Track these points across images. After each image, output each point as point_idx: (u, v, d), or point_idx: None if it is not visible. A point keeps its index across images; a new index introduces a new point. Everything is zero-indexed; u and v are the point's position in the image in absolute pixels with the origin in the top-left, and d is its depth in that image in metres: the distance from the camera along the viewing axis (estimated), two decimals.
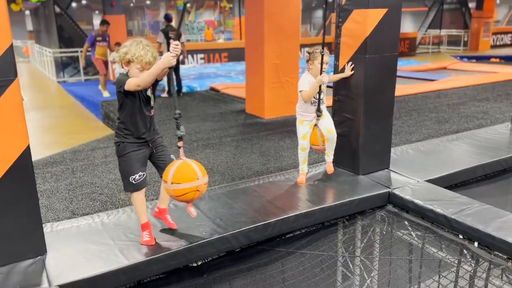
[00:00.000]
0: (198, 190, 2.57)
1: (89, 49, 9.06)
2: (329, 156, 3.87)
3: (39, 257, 2.57)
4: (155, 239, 2.77)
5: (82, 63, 10.75)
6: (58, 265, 2.51)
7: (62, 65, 12.70)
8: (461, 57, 16.86)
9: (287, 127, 6.17)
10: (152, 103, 2.69)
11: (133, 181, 2.65)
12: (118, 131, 2.67)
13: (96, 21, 28.03)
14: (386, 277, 2.91)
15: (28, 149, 2.49)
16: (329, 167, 3.89)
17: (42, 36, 16.40)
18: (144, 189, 2.73)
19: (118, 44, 9.05)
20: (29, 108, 8.32)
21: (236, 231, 2.92)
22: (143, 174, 2.68)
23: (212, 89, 9.61)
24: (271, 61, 6.56)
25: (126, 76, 2.55)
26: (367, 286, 2.77)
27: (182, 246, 2.71)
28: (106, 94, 9.17)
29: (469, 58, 16.66)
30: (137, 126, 2.63)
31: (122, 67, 2.59)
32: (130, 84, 2.48)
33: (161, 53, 8.40)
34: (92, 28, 26.71)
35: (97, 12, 29.43)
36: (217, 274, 2.85)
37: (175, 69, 9.40)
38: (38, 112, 8.05)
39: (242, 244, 3.00)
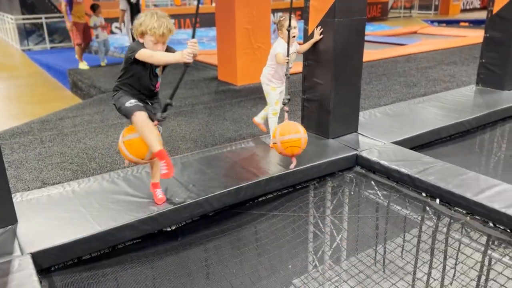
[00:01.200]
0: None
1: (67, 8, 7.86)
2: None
3: (9, 226, 2.57)
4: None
5: (69, 25, 8.17)
6: (29, 233, 2.51)
7: (26, 33, 12.18)
8: (432, 21, 17.04)
9: (260, 93, 6.16)
10: (158, 79, 2.71)
11: (130, 104, 2.57)
12: (116, 86, 2.66)
13: None
14: (354, 234, 3.04)
15: None
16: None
17: (2, 1, 15.57)
18: (145, 112, 2.61)
19: (96, 6, 8.23)
20: None
21: (209, 195, 2.97)
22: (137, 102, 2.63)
23: None
24: (243, 26, 6.47)
25: (141, 45, 2.52)
26: (337, 244, 2.90)
27: (154, 212, 2.75)
28: (83, 66, 8.25)
29: (439, 22, 16.86)
30: (140, 89, 2.64)
31: (137, 40, 2.57)
32: (142, 54, 2.46)
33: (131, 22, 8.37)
34: None
35: None
36: (192, 237, 2.92)
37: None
38: (2, 81, 7.76)
39: (215, 208, 3.06)
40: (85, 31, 8.34)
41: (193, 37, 2.49)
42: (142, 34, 2.52)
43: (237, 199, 3.14)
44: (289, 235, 2.95)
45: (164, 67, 2.71)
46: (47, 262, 2.40)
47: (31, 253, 2.32)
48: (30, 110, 5.62)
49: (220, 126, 4.80)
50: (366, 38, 3.96)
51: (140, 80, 2.63)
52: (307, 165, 3.48)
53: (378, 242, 2.93)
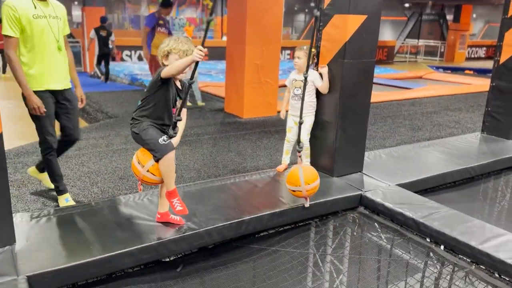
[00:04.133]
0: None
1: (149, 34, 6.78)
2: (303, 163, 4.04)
3: (7, 246, 2.52)
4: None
5: (145, 53, 7.00)
6: (26, 255, 2.47)
7: None
8: (437, 68, 17.32)
9: (265, 127, 6.21)
10: (177, 104, 2.81)
11: (163, 142, 2.65)
12: (139, 116, 2.72)
13: (76, 12, 27.52)
14: (355, 276, 2.97)
15: (0, 137, 2.44)
16: None
17: None
18: (174, 151, 2.71)
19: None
20: (3, 97, 8.11)
21: (210, 227, 2.93)
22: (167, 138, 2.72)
23: None
24: (252, 61, 6.60)
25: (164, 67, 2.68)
26: (337, 285, 2.83)
27: (154, 241, 2.71)
28: None
29: (445, 69, 17.13)
30: (161, 116, 2.72)
31: (163, 64, 2.71)
32: (165, 71, 2.59)
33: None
34: (71, 19, 26.21)
35: (76, 3, 28.87)
36: (190, 268, 2.86)
37: (106, 59, 9.85)
38: (11, 101, 7.85)
39: (216, 241, 3.01)
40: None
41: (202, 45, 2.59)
42: (167, 55, 2.68)
43: (238, 232, 3.10)
44: (288, 272, 2.89)
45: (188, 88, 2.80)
46: (43, 286, 2.34)
47: (27, 276, 2.27)
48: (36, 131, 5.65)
49: (224, 157, 4.80)
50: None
51: (164, 108, 2.71)
52: (310, 202, 3.45)
53: (380, 286, 2.86)
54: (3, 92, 8.79)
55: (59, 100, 3.23)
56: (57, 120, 3.27)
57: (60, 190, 3.37)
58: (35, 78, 3.07)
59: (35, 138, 5.34)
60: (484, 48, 24.41)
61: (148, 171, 2.71)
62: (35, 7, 2.98)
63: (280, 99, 6.66)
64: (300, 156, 3.31)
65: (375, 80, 4.16)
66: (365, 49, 3.78)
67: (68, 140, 3.38)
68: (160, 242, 2.71)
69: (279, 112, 5.44)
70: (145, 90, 2.76)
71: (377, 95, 8.63)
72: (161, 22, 6.78)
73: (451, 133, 6.23)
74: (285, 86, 4.10)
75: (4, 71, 11.52)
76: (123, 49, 14.21)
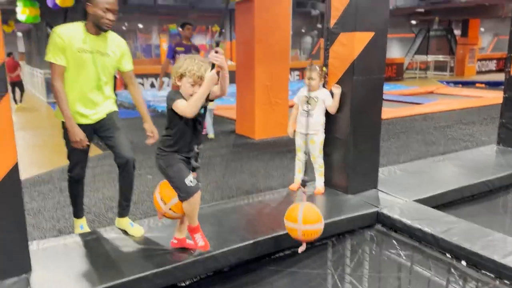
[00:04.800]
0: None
1: (171, 63, 6.56)
2: (317, 181, 4.03)
3: (23, 275, 2.53)
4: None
5: (160, 84, 7.16)
6: (43, 283, 2.47)
7: None
8: (448, 82, 17.24)
9: (277, 147, 6.21)
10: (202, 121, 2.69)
11: (190, 184, 2.59)
12: (163, 146, 2.63)
13: None
14: None
15: (16, 166, 2.48)
16: (317, 190, 3.98)
17: (33, 57, 16.45)
18: (200, 192, 2.67)
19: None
20: (19, 128, 8.27)
21: (225, 249, 2.90)
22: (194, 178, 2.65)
23: None
24: (262, 82, 6.66)
25: (178, 94, 2.55)
26: None
27: (170, 264, 2.69)
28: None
29: (455, 83, 17.03)
30: (186, 143, 2.62)
31: (175, 84, 2.60)
32: (178, 107, 2.49)
33: None
34: None
35: None
36: None
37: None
38: (27, 132, 8.01)
39: (231, 263, 2.98)
40: None
41: (217, 46, 2.47)
42: (181, 77, 2.54)
43: (254, 254, 3.06)
44: None
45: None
46: None
47: None
48: (51, 159, 5.72)
49: (237, 178, 4.79)
50: (383, 96, 4.02)
51: (186, 137, 2.61)
52: (326, 221, 3.39)
53: None
54: (19, 122, 8.98)
55: (96, 129, 3.01)
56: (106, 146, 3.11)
57: (76, 214, 3.28)
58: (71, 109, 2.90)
59: (50, 166, 5.44)
60: (495, 61, 24.27)
61: (170, 209, 2.66)
62: (84, 41, 2.80)
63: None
64: (305, 192, 2.90)
65: (385, 97, 4.15)
66: (373, 66, 3.78)
67: (121, 163, 3.01)
68: (176, 266, 2.69)
69: None
70: (166, 119, 2.63)
71: (389, 111, 8.59)
72: (180, 49, 6.54)
73: (465, 146, 6.14)
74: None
75: (20, 101, 11.77)
76: (136, 77, 14.49)
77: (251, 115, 6.81)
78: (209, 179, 4.75)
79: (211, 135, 6.94)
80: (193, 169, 2.65)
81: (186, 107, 2.47)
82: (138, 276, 2.56)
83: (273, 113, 6.83)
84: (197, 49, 6.72)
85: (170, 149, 2.61)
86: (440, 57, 21.99)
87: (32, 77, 15.46)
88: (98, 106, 2.98)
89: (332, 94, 3.85)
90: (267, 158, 5.67)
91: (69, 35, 2.77)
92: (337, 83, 3.84)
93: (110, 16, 2.80)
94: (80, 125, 2.90)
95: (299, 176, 4.11)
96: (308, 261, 3.21)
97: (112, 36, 2.97)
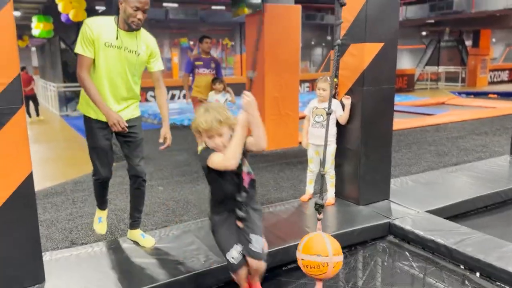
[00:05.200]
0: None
1: (190, 77, 6.51)
2: (328, 192, 4.04)
3: (37, 285, 2.55)
4: None
5: (187, 96, 6.70)
6: None
7: (66, 100, 12.90)
8: (459, 93, 17.12)
9: (286, 158, 6.21)
10: (245, 168, 2.32)
11: (232, 259, 2.31)
12: (210, 207, 2.44)
13: None
14: None
15: (31, 176, 2.52)
16: (328, 201, 3.97)
17: (47, 71, 16.73)
18: (244, 267, 2.37)
19: (217, 79, 6.31)
20: (32, 141, 8.40)
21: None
22: (240, 250, 2.33)
23: None
24: (272, 94, 6.69)
25: (208, 149, 2.23)
26: None
27: (182, 275, 2.69)
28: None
29: (467, 94, 16.91)
30: (229, 196, 2.31)
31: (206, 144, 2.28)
32: (214, 162, 2.17)
33: None
34: None
35: None
36: None
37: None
38: (41, 145, 8.12)
39: None
40: None
41: (248, 90, 2.26)
42: (199, 134, 2.24)
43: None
44: None
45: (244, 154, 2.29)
46: None
47: None
48: (64, 171, 5.80)
49: None
50: (394, 107, 4.02)
51: (225, 188, 2.30)
52: (337, 232, 3.38)
53: None
54: (34, 135, 9.11)
55: (117, 132, 2.93)
56: (122, 151, 3.11)
57: (99, 205, 3.27)
58: (90, 104, 2.86)
59: (63, 178, 5.50)
60: (507, 72, 24.06)
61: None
62: (114, 35, 2.76)
63: (300, 130, 6.68)
64: (320, 220, 2.54)
65: (397, 108, 4.14)
66: (383, 76, 3.79)
67: (132, 176, 3.08)
68: (188, 276, 2.70)
69: (300, 143, 5.43)
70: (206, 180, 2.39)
71: (400, 122, 8.56)
72: (198, 63, 6.35)
73: (478, 157, 6.07)
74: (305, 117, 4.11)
75: (37, 114, 11.95)
76: (147, 90, 14.65)
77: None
78: None
79: None
80: (239, 218, 2.35)
81: (223, 160, 2.15)
82: (150, 286, 2.56)
83: (283, 124, 6.84)
84: (217, 62, 6.59)
85: (215, 208, 2.41)
86: (451, 68, 21.88)
87: (45, 91, 15.73)
88: (125, 104, 2.93)
89: (343, 105, 3.86)
90: (277, 169, 5.67)
91: (98, 27, 2.73)
92: (347, 93, 3.85)
93: (140, 15, 2.75)
94: (104, 123, 2.86)
95: (310, 187, 4.11)
96: None
97: (143, 34, 2.91)
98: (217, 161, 2.17)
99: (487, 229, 3.62)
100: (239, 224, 2.35)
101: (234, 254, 2.31)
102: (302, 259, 2.39)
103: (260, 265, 2.38)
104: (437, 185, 4.46)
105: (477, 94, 16.69)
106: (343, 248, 3.41)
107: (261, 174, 5.42)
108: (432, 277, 3.13)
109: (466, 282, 2.96)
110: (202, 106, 2.29)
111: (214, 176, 2.26)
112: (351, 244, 3.48)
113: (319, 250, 2.31)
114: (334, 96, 3.94)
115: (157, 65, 3.03)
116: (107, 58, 2.78)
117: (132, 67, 2.89)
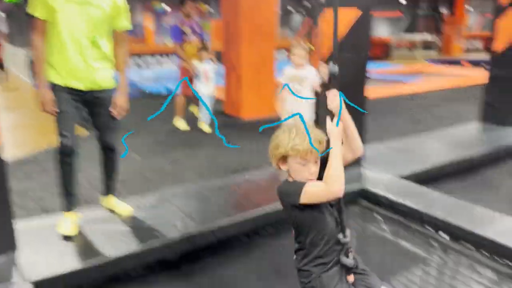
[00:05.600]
0: None
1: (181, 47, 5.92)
2: None
3: (9, 252, 2.52)
4: None
5: (189, 67, 5.89)
6: (28, 261, 2.47)
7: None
8: (435, 61, 17.31)
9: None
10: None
11: None
12: (304, 266, 1.71)
13: None
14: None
15: (1, 147, 2.45)
16: None
17: (16, 37, 16.05)
18: None
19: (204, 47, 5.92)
20: (2, 108, 8.13)
21: (213, 226, 2.93)
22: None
23: None
24: (249, 61, 6.61)
25: (295, 183, 1.69)
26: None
27: (158, 242, 2.71)
28: (181, 124, 6.15)
29: (442, 62, 17.12)
30: (331, 238, 1.68)
31: (279, 168, 1.74)
32: (315, 194, 1.62)
33: None
34: None
35: None
36: (196, 267, 2.85)
37: None
38: (10, 112, 7.88)
39: (220, 239, 3.01)
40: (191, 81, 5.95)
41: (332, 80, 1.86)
42: (284, 159, 1.69)
43: (242, 229, 3.10)
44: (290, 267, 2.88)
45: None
46: None
47: (31, 282, 2.27)
48: (36, 140, 5.66)
49: (225, 158, 4.81)
50: (369, 75, 4.05)
51: (326, 228, 1.68)
52: None
53: (385, 278, 2.86)
54: (5, 102, 8.82)
55: (88, 101, 2.77)
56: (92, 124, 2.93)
57: (65, 205, 2.87)
58: (55, 69, 2.66)
59: (35, 147, 5.37)
60: (481, 40, 24.39)
61: None
62: None
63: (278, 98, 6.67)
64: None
65: (372, 76, 4.16)
66: (359, 44, 3.78)
67: (103, 147, 2.98)
68: (165, 243, 2.71)
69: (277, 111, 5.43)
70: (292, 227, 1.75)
71: (375, 90, 8.63)
72: (186, 29, 5.89)
73: (451, 124, 6.21)
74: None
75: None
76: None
77: (239, 95, 6.79)
78: (197, 159, 4.76)
79: (205, 127, 6.07)
80: (348, 269, 1.69)
81: (327, 187, 1.60)
82: (125, 254, 2.58)
83: (260, 92, 6.80)
84: (200, 26, 6.15)
85: (314, 263, 1.70)
86: (428, 36, 22.02)
87: (15, 57, 15.13)
88: (98, 65, 2.73)
89: (319, 72, 3.85)
90: (255, 138, 5.67)
91: None
92: (323, 60, 3.83)
93: None
94: (72, 90, 2.70)
95: None
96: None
97: None
98: (318, 190, 1.62)
99: (457, 193, 3.75)
100: (350, 279, 1.70)
101: None
102: None
103: None
104: (410, 151, 4.56)
105: (452, 62, 16.91)
106: None
107: (240, 143, 5.42)
108: (403, 240, 3.25)
109: (436, 244, 3.08)
110: (283, 127, 1.72)
111: (310, 214, 1.66)
112: None
113: None
114: (306, 62, 3.91)
115: (124, 24, 2.84)
116: (67, 17, 2.58)
117: (98, 25, 2.68)
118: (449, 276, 2.73)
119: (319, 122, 4.00)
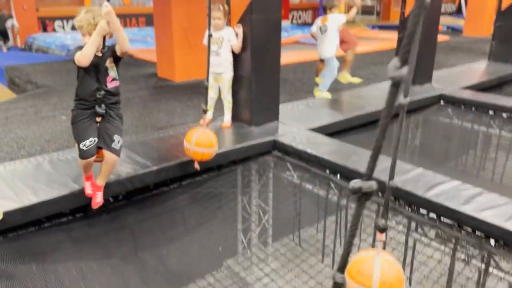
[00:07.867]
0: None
1: None
2: (225, 116, 4.39)
3: None
4: None
5: None
6: None
7: None
8: (373, 26, 17.93)
9: (196, 88, 6.42)
10: (111, 73, 2.81)
11: (84, 146, 2.77)
12: (75, 101, 2.82)
13: None
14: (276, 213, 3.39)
15: None
16: (224, 125, 4.33)
17: None
18: (92, 158, 2.78)
19: None
20: None
21: (131, 174, 3.20)
22: (94, 142, 2.78)
23: None
24: (180, 24, 6.71)
25: (81, 46, 2.66)
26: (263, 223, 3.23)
27: (75, 189, 2.95)
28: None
29: (380, 27, 17.75)
30: (88, 91, 2.75)
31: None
32: (76, 59, 2.60)
33: None
34: None
35: None
36: (114, 215, 3.14)
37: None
38: None
39: (136, 187, 3.28)
40: None
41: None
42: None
43: (160, 178, 3.38)
44: (216, 214, 3.26)
45: (116, 61, 2.82)
46: None
47: None
48: None
49: (153, 117, 5.02)
50: (301, 40, 4.36)
51: (87, 83, 2.72)
52: (229, 149, 3.79)
53: (295, 218, 3.29)
54: None
55: None
56: None
57: None
58: None
59: None
60: None
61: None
62: None
63: None
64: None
65: (304, 40, 4.46)
66: (271, 5, 4.06)
67: None
68: (81, 189, 2.96)
69: None
70: None
71: (304, 54, 8.97)
72: None
73: (368, 84, 6.72)
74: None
75: None
76: (55, 20, 13.71)
77: (171, 57, 6.91)
78: (125, 118, 4.91)
79: None
80: (98, 114, 2.78)
81: (78, 57, 2.60)
82: (45, 199, 2.81)
83: (192, 55, 6.94)
84: None
85: (78, 103, 2.77)
86: (368, 1, 22.60)
87: None
88: None
89: (236, 34, 4.11)
90: (185, 98, 5.90)
91: None
92: (239, 22, 4.09)
93: None
94: None
95: (209, 113, 4.41)
96: (217, 184, 3.62)
97: None
98: (77, 58, 2.60)
99: (361, 143, 4.23)
100: (98, 119, 2.78)
101: (87, 143, 2.71)
102: (195, 151, 3.26)
103: (115, 159, 2.86)
104: (323, 108, 5.00)
105: (390, 28, 17.57)
106: (237, 162, 3.88)
107: (168, 103, 5.63)
108: (307, 182, 3.70)
109: (331, 183, 3.54)
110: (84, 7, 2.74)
111: (82, 73, 2.68)
112: (242, 158, 3.93)
113: (210, 144, 3.28)
114: (224, 23, 4.16)
115: None
116: None
117: None
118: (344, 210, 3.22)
119: (235, 82, 4.30)
